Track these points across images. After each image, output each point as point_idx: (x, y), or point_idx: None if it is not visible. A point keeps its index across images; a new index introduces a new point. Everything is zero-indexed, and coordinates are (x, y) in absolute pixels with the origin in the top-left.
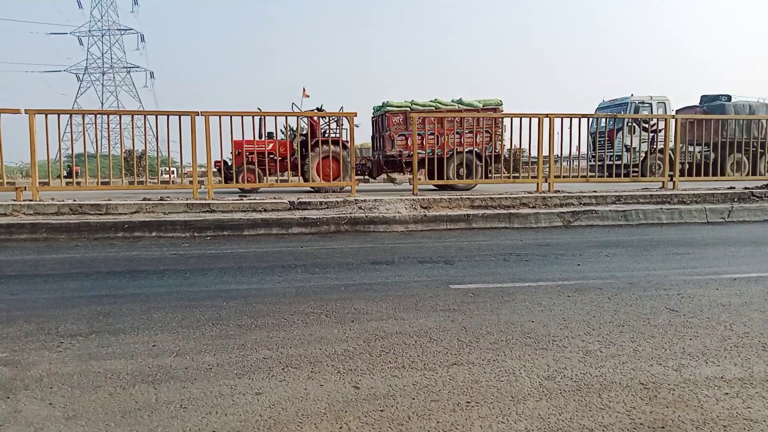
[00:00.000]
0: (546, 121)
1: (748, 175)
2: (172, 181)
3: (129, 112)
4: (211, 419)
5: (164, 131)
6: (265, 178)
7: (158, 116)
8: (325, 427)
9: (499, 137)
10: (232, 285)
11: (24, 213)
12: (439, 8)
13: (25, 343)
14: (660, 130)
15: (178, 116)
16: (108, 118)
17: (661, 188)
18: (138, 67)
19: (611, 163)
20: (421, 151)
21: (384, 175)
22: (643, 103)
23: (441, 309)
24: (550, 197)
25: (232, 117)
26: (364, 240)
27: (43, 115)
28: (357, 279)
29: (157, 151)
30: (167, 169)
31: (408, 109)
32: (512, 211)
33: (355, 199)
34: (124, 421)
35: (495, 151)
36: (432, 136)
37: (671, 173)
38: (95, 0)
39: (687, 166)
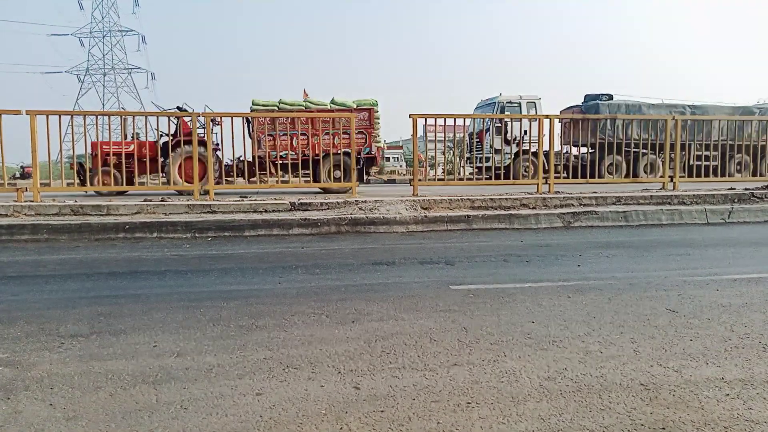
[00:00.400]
0: (546, 122)
1: (627, 177)
2: (173, 182)
3: (130, 113)
4: (211, 420)
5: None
6: (136, 179)
7: (159, 117)
8: (326, 427)
9: (375, 138)
10: (232, 286)
11: (25, 214)
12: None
13: (26, 343)
14: (526, 132)
15: (178, 117)
16: (109, 119)
17: (661, 189)
18: (139, 68)
19: (488, 165)
20: (293, 152)
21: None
22: (511, 102)
23: (441, 310)
24: (551, 198)
25: (233, 118)
26: (364, 241)
27: (44, 116)
28: (358, 280)
29: (158, 152)
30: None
31: (276, 108)
32: (512, 212)
33: (356, 200)
34: (124, 421)
35: (371, 153)
36: (304, 137)
37: (671, 174)
38: (96, 1)
39: (562, 168)
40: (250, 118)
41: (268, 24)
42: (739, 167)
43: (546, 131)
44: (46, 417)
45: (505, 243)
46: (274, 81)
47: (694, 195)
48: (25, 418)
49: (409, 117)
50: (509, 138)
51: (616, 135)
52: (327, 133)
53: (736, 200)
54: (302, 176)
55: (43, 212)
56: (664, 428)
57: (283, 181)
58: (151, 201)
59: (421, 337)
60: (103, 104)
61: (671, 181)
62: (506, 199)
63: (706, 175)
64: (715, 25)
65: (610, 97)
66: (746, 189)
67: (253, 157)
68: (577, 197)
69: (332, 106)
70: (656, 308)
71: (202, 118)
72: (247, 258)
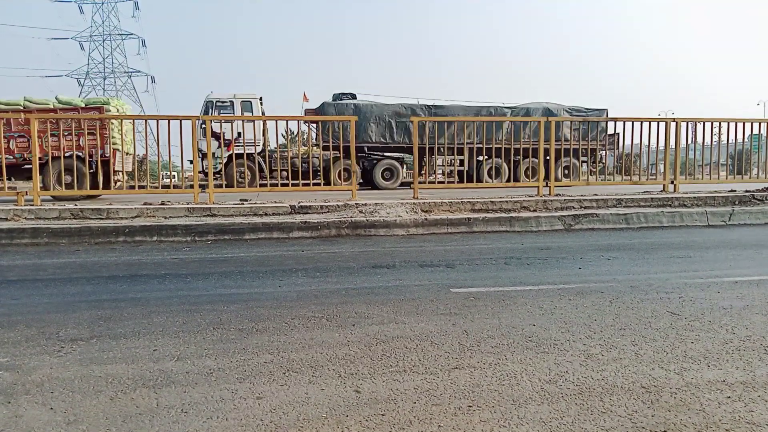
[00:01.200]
0: (546, 124)
1: (361, 185)
2: (173, 186)
3: (130, 117)
4: (212, 424)
5: (165, 135)
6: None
7: (159, 120)
8: (327, 431)
9: (112, 140)
10: (233, 289)
11: (25, 217)
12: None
13: (26, 347)
14: (239, 134)
15: (179, 120)
16: (109, 122)
17: (661, 191)
18: (139, 71)
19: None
20: (9, 156)
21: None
22: (222, 101)
23: (442, 313)
24: (551, 200)
25: (233, 122)
26: (365, 244)
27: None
28: (358, 283)
29: (158, 156)
30: (168, 173)
31: None
32: (513, 214)
33: (356, 203)
34: (125, 425)
35: (105, 156)
36: (23, 140)
37: (672, 175)
38: (96, 5)
39: (287, 173)
40: None
41: (268, 24)
42: (492, 173)
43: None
44: (47, 421)
45: (506, 246)
46: (275, 81)
47: (694, 197)
48: (25, 422)
49: (410, 120)
50: (227, 140)
51: (344, 138)
52: (54, 135)
53: (736, 202)
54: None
55: (44, 216)
56: (665, 431)
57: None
58: (151, 204)
59: (422, 341)
60: None
61: (672, 183)
62: (507, 201)
63: (460, 180)
64: (715, 25)
65: (354, 96)
66: (747, 191)
67: None
68: (577, 200)
69: (56, 105)
70: (657, 311)
71: None
72: (247, 261)
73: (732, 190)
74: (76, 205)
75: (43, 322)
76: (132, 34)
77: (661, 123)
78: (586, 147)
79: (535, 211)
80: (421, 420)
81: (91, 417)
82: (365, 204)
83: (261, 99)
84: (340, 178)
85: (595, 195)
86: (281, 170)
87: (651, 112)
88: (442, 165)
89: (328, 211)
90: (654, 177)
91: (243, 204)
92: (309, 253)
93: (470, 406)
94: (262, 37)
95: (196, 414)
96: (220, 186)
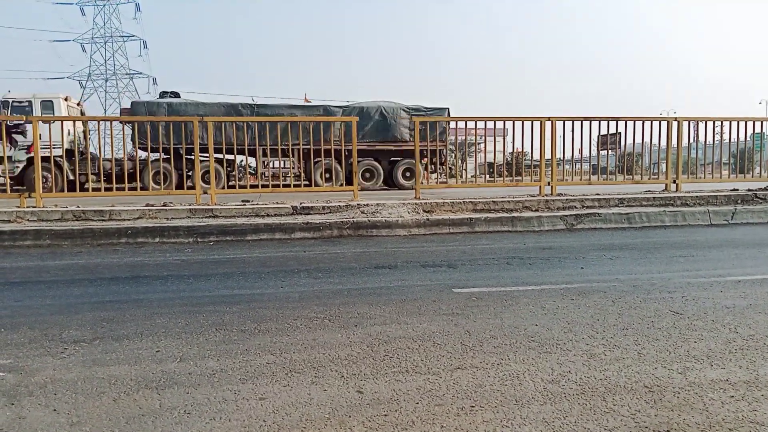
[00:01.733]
0: (548, 124)
1: (177, 189)
2: (175, 187)
3: (131, 119)
4: (215, 425)
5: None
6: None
7: (160, 122)
8: (329, 431)
9: None
10: (235, 290)
11: (28, 219)
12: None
13: (29, 349)
14: (40, 136)
15: (181, 122)
16: (111, 124)
17: (664, 191)
18: (141, 73)
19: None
20: None
21: None
22: (18, 101)
23: (444, 313)
24: (553, 200)
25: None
26: (366, 244)
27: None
28: (360, 283)
29: (160, 157)
30: None
31: None
32: (515, 214)
33: (358, 204)
34: (128, 427)
35: None
36: None
37: (674, 175)
38: (98, 7)
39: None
40: None
41: (269, 24)
42: (327, 175)
43: (548, 135)
44: (50, 422)
45: (508, 246)
46: (275, 81)
47: (697, 196)
48: (28, 424)
49: (411, 120)
50: (26, 142)
51: (160, 139)
52: None
53: (739, 201)
54: None
55: (46, 218)
56: (668, 431)
57: None
58: (153, 206)
59: (424, 341)
60: (105, 110)
61: (674, 182)
62: (509, 201)
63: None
64: (715, 24)
65: (177, 95)
66: (749, 190)
67: None
68: (579, 199)
69: None
70: (660, 310)
71: None
72: (249, 262)
73: (734, 189)
74: (78, 206)
75: (46, 324)
76: (133, 35)
77: (663, 122)
78: (426, 148)
79: (537, 210)
80: (424, 420)
81: (94, 418)
82: (367, 204)
83: (67, 98)
84: (156, 183)
85: (597, 194)
86: (91, 173)
87: (652, 112)
88: (265, 167)
89: (330, 212)
90: (656, 176)
91: (245, 205)
92: (311, 254)
93: (473, 407)
94: (262, 37)
95: (199, 415)
96: (222, 188)
